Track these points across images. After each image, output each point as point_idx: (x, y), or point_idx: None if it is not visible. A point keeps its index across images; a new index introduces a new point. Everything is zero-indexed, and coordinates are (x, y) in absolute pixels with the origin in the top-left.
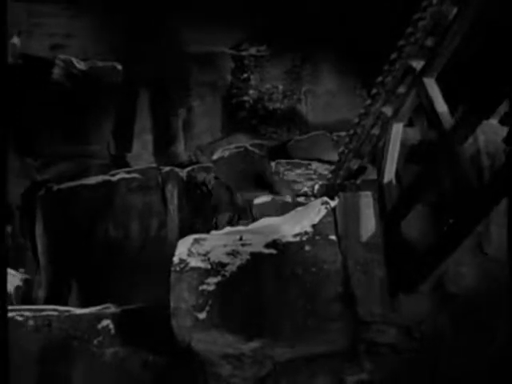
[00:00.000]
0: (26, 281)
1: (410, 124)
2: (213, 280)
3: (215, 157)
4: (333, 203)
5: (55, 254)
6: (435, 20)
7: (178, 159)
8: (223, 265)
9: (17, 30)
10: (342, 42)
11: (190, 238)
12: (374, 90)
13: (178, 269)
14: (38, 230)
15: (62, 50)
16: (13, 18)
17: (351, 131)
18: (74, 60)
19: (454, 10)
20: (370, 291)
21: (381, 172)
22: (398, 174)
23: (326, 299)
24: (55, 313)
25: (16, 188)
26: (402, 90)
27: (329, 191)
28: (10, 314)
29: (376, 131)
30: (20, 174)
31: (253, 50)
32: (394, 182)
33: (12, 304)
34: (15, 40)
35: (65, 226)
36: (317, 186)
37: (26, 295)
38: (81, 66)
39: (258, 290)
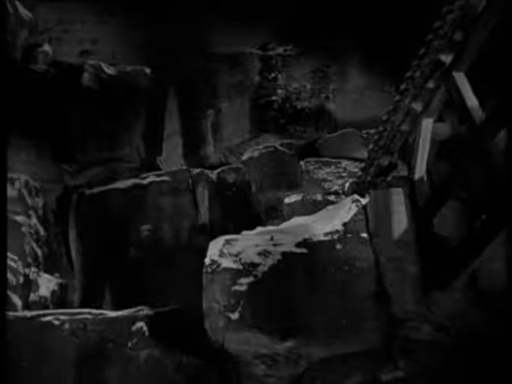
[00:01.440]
0: (61, 285)
1: (439, 119)
2: (245, 280)
3: (245, 157)
4: (363, 201)
5: (88, 258)
6: (464, 13)
7: (208, 161)
8: (255, 265)
9: (47, 37)
10: (369, 38)
11: (221, 239)
12: (403, 86)
13: (209, 270)
14: (72, 234)
15: (91, 56)
16: (43, 25)
17: (380, 128)
18: (103, 65)
19: (483, 2)
20: (403, 288)
21: (411, 168)
22: (428, 170)
23: (359, 297)
24: (90, 316)
25: (51, 194)
26: (431, 84)
27: (359, 189)
28: (46, 318)
29: (406, 127)
30: (55, 180)
31: (280, 50)
32: (425, 178)
33: (48, 308)
34: (46, 47)
35: (97, 230)
36: (347, 184)
37: (61, 299)
38: (110, 70)
39: (290, 290)
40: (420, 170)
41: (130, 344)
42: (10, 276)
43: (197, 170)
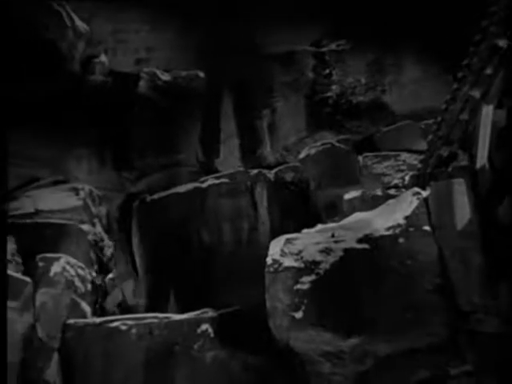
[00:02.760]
0: (126, 291)
1: (499, 106)
2: (307, 279)
3: (302, 155)
4: (425, 193)
5: (152, 263)
6: None
7: (265, 161)
8: (316, 263)
9: (103, 48)
10: (423, 28)
11: (282, 239)
12: (461, 74)
13: (271, 269)
14: (135, 241)
15: (146, 64)
16: (99, 36)
17: (439, 118)
18: (158, 72)
19: None
20: (468, 280)
21: (473, 157)
22: (490, 159)
23: (423, 291)
24: (156, 320)
25: (114, 202)
26: (489, 70)
27: (420, 181)
28: (114, 324)
29: (465, 116)
30: (116, 188)
31: (333, 45)
32: (487, 166)
33: (115, 314)
34: (103, 58)
35: (159, 235)
36: (407, 177)
37: (127, 305)
38: (165, 77)
39: (353, 286)
40: (482, 159)
41: (196, 346)
42: (78, 283)
43: (255, 171)
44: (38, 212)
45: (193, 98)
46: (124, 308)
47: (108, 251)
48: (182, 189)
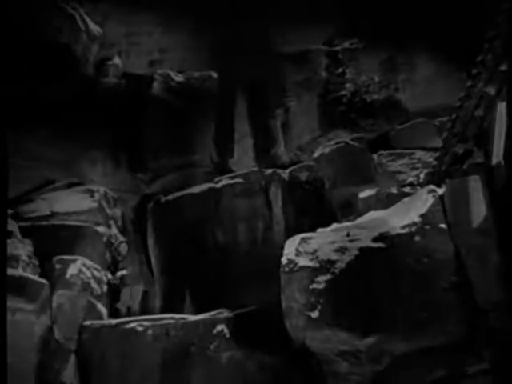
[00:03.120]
0: (142, 292)
1: None
2: (323, 278)
3: (316, 154)
4: (440, 191)
5: (167, 264)
6: None
7: (280, 160)
8: (332, 262)
9: (116, 50)
10: (436, 26)
11: (297, 238)
12: (475, 71)
13: (287, 269)
14: (150, 242)
15: (159, 65)
16: (112, 39)
17: (454, 115)
18: (172, 73)
19: None
20: (485, 278)
21: (488, 154)
22: (506, 155)
23: (440, 289)
24: (172, 321)
25: (128, 203)
26: (504, 66)
27: (435, 179)
28: (130, 325)
29: (480, 112)
30: (131, 190)
31: (346, 44)
32: (502, 163)
33: (131, 315)
34: (117, 60)
35: (174, 236)
36: (422, 175)
37: (143, 306)
38: (178, 78)
39: (369, 285)
40: (497, 156)
41: (212, 347)
42: (94, 285)
43: (269, 171)
44: (53, 214)
45: (206, 98)
46: (140, 309)
47: (123, 253)
48: (196, 189)
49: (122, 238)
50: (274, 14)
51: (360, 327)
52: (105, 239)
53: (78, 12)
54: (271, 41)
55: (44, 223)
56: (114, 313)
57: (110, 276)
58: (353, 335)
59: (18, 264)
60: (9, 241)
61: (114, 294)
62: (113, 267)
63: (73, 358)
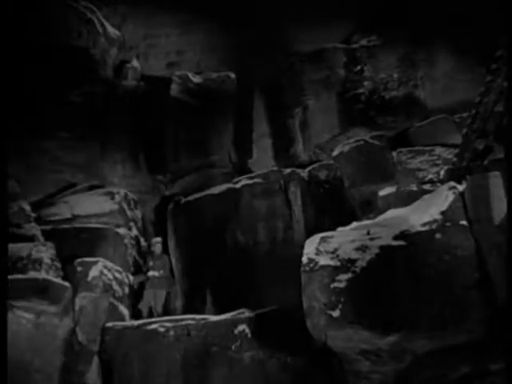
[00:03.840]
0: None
1: None
2: (343, 277)
3: (335, 153)
4: (460, 187)
5: (188, 264)
6: None
7: (298, 160)
8: (353, 261)
9: (135, 53)
10: (455, 21)
11: (316, 237)
12: (494, 66)
13: (307, 269)
14: (171, 243)
15: (177, 67)
16: (131, 42)
17: (473, 111)
18: (190, 74)
19: None
20: (507, 275)
21: (509, 150)
22: None
23: (462, 287)
24: (193, 321)
25: (149, 205)
26: None
27: (455, 175)
28: (152, 326)
29: (500, 107)
30: (151, 191)
31: (364, 41)
32: None
33: (153, 316)
34: (135, 63)
35: (194, 236)
36: (442, 172)
37: (164, 307)
38: (196, 79)
39: (390, 284)
40: None
41: (233, 347)
42: (116, 287)
43: (288, 170)
44: (75, 217)
45: (224, 99)
46: (162, 310)
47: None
48: (215, 190)
49: (143, 242)
50: (291, 13)
51: (381, 326)
52: (126, 241)
53: (96, 16)
54: (288, 40)
55: (66, 226)
56: (136, 314)
57: (131, 277)
58: (374, 334)
59: (41, 267)
60: (32, 244)
61: (135, 295)
62: (134, 268)
63: (96, 359)
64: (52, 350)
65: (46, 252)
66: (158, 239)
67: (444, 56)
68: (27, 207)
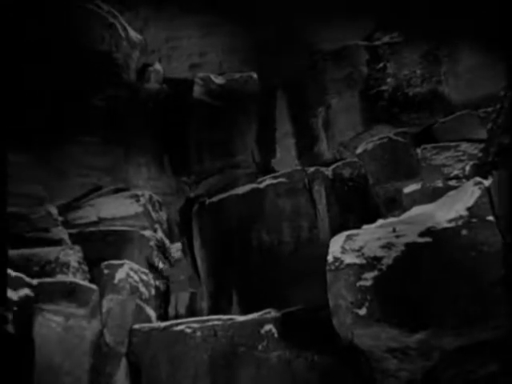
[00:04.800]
0: (190, 294)
1: None
2: (369, 275)
3: (359, 151)
4: (486, 183)
5: (213, 265)
6: None
7: (322, 158)
8: (378, 258)
9: (157, 56)
10: (478, 15)
11: (342, 236)
12: None
13: (333, 267)
14: (196, 244)
15: (200, 68)
16: (153, 45)
17: (498, 105)
18: (212, 76)
19: None
20: None
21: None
22: None
23: (489, 283)
24: (220, 322)
25: (173, 206)
26: None
27: (481, 171)
28: (179, 328)
29: None
30: (175, 193)
31: (386, 38)
32: None
33: (180, 317)
34: (157, 66)
35: (220, 237)
36: (468, 167)
37: (191, 308)
38: (218, 80)
39: (416, 281)
40: None
41: (260, 347)
42: (142, 289)
43: (312, 169)
44: (101, 220)
45: (247, 99)
46: (188, 311)
47: (170, 256)
48: (240, 190)
49: (169, 244)
50: (312, 11)
51: (409, 323)
52: (151, 243)
53: (118, 20)
54: (310, 39)
55: (92, 229)
56: (162, 316)
57: (156, 279)
58: (401, 332)
59: (68, 270)
60: (59, 248)
61: (162, 296)
62: (160, 270)
63: (124, 361)
64: (81, 353)
65: (73, 255)
66: (178, 245)
67: (468, 51)
68: (54, 211)
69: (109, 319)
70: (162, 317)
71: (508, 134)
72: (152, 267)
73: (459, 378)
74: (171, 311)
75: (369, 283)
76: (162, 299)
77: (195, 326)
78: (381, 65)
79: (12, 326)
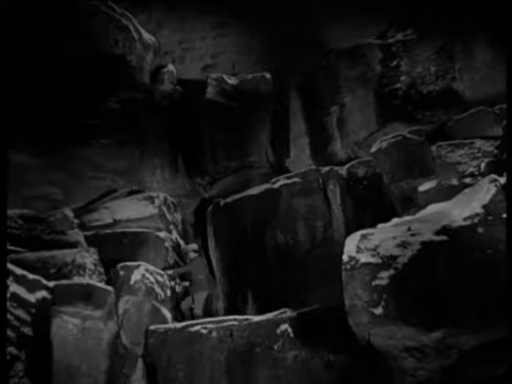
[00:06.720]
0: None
1: None
2: (385, 274)
3: (373, 149)
4: (502, 180)
5: (228, 266)
6: None
7: (336, 157)
8: (394, 257)
9: (170, 57)
10: (493, 9)
11: (357, 235)
12: None
13: (348, 267)
14: (211, 245)
15: (213, 69)
16: (166, 47)
17: None
18: (225, 77)
19: None
20: None
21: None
22: None
23: (505, 281)
24: (235, 322)
25: (188, 208)
26: None
27: (496, 168)
28: (194, 328)
29: None
30: (190, 194)
31: (399, 36)
32: None
33: (195, 318)
34: (170, 67)
35: (234, 238)
36: (483, 165)
37: (206, 309)
38: (232, 81)
39: (433, 279)
40: None
41: (276, 347)
42: (158, 290)
43: (326, 168)
44: (116, 222)
45: (260, 99)
46: (204, 312)
47: (185, 257)
48: (254, 191)
49: (183, 245)
50: (325, 10)
51: (425, 322)
52: (166, 244)
53: (131, 23)
54: (323, 38)
55: (107, 231)
56: (178, 316)
57: (172, 280)
58: (418, 330)
59: (84, 272)
60: (75, 250)
61: (177, 297)
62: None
63: (140, 362)
64: (98, 354)
65: (89, 257)
66: (192, 246)
67: (482, 46)
68: (70, 214)
69: (125, 321)
70: (178, 318)
71: None
72: (168, 268)
73: (478, 377)
74: (187, 312)
75: (384, 282)
76: (178, 300)
77: (211, 326)
78: (394, 63)
79: (30, 329)
